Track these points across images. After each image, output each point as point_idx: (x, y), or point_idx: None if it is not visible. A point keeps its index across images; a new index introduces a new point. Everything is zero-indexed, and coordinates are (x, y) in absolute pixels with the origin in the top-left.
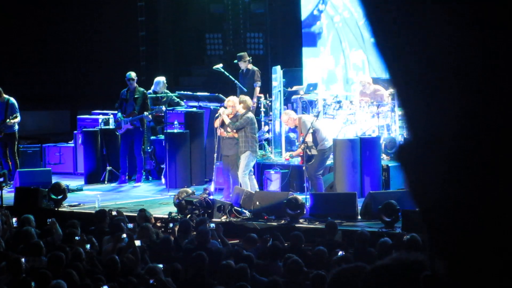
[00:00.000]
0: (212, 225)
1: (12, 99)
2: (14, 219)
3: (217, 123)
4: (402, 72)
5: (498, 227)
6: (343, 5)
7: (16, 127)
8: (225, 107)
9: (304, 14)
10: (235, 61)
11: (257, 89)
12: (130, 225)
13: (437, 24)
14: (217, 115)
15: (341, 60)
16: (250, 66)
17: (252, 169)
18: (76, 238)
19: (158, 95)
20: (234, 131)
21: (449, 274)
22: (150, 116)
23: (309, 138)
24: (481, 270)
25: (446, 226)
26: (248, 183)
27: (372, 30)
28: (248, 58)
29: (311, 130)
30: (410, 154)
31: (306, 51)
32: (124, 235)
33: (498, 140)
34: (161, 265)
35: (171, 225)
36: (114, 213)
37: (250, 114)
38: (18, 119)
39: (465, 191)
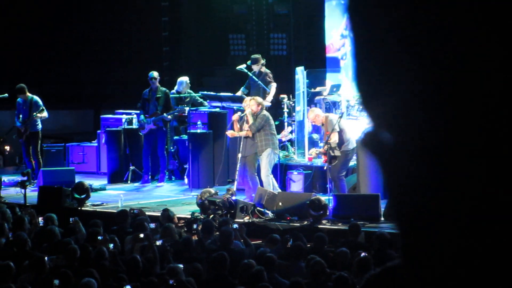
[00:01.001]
0: (235, 225)
1: (36, 97)
2: (40, 218)
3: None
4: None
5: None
6: None
7: (40, 126)
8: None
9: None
10: (249, 62)
11: (273, 89)
12: (152, 225)
13: None
14: (242, 114)
15: None
16: (263, 69)
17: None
18: (99, 237)
19: (181, 95)
20: (249, 130)
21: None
22: (169, 116)
23: (334, 138)
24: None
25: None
26: (271, 182)
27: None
28: (262, 61)
29: (337, 128)
30: (377, 142)
31: (329, 76)
32: (142, 235)
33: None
34: (181, 265)
35: (195, 225)
36: (135, 211)
37: (265, 112)
38: (45, 114)
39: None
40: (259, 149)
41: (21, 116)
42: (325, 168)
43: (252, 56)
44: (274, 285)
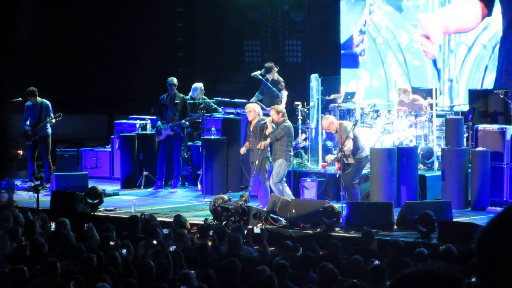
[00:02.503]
0: (258, 230)
1: (46, 101)
2: (52, 223)
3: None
4: None
5: None
6: (386, 26)
7: (50, 130)
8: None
9: (345, 35)
10: (262, 71)
11: (285, 97)
12: (165, 231)
13: None
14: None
15: (382, 77)
16: (276, 76)
17: (285, 178)
18: (111, 243)
19: (195, 101)
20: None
21: None
22: (187, 123)
23: (348, 145)
24: None
25: None
26: (280, 189)
27: None
28: (276, 69)
29: (351, 135)
30: None
31: (345, 72)
32: (155, 242)
33: None
34: (192, 272)
35: (211, 232)
36: (146, 216)
37: (288, 123)
38: (54, 121)
39: None
40: (274, 157)
41: (29, 119)
42: (337, 175)
43: (266, 65)
44: None
